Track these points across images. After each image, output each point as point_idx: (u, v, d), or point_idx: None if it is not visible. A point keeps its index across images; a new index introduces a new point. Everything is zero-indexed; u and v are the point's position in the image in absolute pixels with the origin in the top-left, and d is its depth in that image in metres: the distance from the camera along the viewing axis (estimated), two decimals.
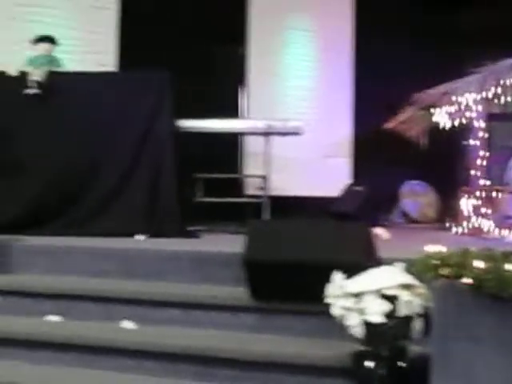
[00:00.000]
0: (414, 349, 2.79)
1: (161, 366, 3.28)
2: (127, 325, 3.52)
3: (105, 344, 3.34)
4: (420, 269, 2.67)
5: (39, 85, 5.16)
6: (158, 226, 5.06)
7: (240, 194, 6.90)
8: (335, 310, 2.78)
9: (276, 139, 6.48)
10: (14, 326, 3.55)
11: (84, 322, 3.61)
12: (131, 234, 4.76)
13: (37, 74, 5.18)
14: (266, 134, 6.32)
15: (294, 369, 3.07)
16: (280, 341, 3.29)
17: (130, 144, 5.21)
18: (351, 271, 2.80)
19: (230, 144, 7.30)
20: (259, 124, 6.34)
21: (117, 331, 3.44)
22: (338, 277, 2.81)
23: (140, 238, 4.72)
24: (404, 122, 7.05)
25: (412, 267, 2.74)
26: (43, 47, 5.47)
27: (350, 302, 2.72)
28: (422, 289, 2.70)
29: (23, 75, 5.22)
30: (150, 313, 3.60)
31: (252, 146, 6.88)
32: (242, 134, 6.97)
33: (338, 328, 2.85)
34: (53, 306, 3.71)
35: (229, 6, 7.36)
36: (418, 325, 2.68)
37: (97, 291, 3.69)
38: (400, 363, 2.72)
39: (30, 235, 4.64)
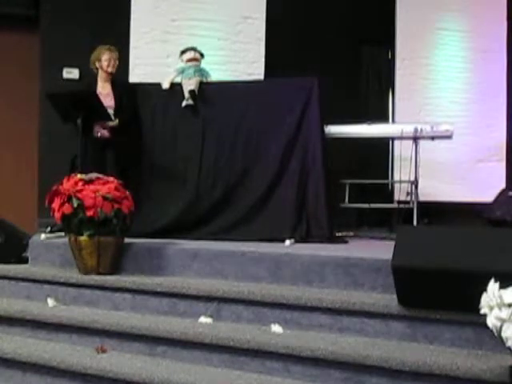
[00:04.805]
0: None
1: (307, 371, 3.29)
2: (276, 329, 3.57)
3: (253, 347, 3.40)
4: None
5: (194, 95, 5.38)
6: (306, 231, 5.10)
7: (388, 200, 6.79)
8: (490, 321, 2.66)
9: (426, 143, 6.34)
10: (169, 326, 3.70)
11: (234, 325, 3.71)
12: (279, 239, 4.83)
13: (191, 85, 5.40)
14: (415, 138, 6.19)
15: (444, 380, 2.96)
16: (430, 350, 3.20)
17: (278, 150, 5.28)
18: (507, 280, 2.67)
19: (378, 149, 7.20)
20: (407, 128, 6.22)
21: (265, 334, 3.50)
22: (493, 286, 2.69)
23: (288, 242, 4.77)
24: None
25: None
26: (192, 54, 5.60)
27: (505, 313, 2.60)
28: None
29: (177, 86, 5.48)
30: (298, 317, 3.63)
31: (401, 151, 6.74)
32: (390, 138, 6.85)
33: (492, 339, 2.73)
34: (205, 308, 3.84)
35: (375, 8, 7.28)
36: None
37: (247, 295, 3.76)
38: None
39: (183, 239, 4.87)
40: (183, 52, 5.66)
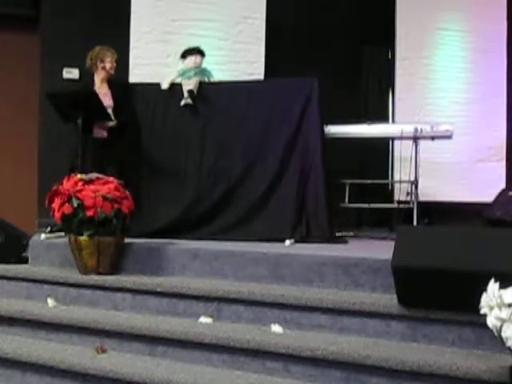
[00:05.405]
0: None
1: (307, 371, 3.29)
2: (276, 329, 3.57)
3: (253, 347, 3.40)
4: None
5: (192, 95, 5.38)
6: (306, 231, 5.10)
7: (388, 200, 6.79)
8: (490, 321, 2.66)
9: (426, 143, 6.34)
10: (169, 326, 3.69)
11: (234, 325, 3.71)
12: (279, 239, 4.83)
13: (190, 85, 5.40)
14: (415, 138, 6.19)
15: (444, 380, 2.96)
16: (430, 350, 3.19)
17: (278, 150, 5.28)
18: (507, 280, 2.67)
19: (378, 149, 7.20)
20: (407, 128, 6.22)
21: (265, 334, 3.49)
22: (493, 286, 2.68)
23: (288, 242, 4.77)
24: None
25: None
26: (193, 60, 5.61)
27: (505, 313, 2.60)
28: None
29: (177, 86, 5.47)
30: (298, 317, 3.62)
31: (401, 151, 6.74)
32: (390, 138, 6.86)
33: (492, 339, 2.73)
34: (205, 308, 3.84)
35: (376, 8, 7.28)
36: None
37: (247, 295, 3.76)
38: None
39: (183, 239, 4.87)
40: (184, 55, 5.65)
